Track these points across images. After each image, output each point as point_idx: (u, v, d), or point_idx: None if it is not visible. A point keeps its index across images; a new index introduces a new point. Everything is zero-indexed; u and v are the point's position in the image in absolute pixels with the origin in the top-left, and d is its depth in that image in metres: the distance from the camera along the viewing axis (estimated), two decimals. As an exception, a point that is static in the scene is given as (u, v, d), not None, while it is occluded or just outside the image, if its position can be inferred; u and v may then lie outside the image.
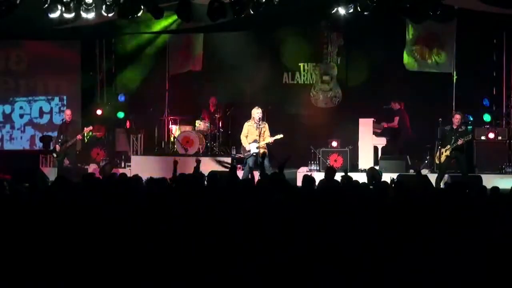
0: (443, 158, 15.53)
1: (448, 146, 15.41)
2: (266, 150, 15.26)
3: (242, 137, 15.54)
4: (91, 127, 17.51)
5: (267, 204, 7.47)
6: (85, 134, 17.68)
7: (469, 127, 17.79)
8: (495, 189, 9.38)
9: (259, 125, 15.31)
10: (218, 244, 5.96)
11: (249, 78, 18.61)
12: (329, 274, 5.41)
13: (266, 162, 15.16)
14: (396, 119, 18.07)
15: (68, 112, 17.52)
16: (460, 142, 15.29)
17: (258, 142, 15.23)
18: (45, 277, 5.59)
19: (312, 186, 9.95)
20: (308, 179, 10.12)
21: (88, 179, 10.39)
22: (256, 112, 15.40)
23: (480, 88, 18.40)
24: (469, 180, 14.92)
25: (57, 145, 17.11)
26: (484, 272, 5.45)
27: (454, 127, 15.51)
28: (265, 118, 15.93)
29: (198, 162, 12.61)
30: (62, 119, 17.65)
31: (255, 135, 15.29)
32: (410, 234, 6.27)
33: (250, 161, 15.34)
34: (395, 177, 12.02)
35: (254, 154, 15.25)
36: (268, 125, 15.49)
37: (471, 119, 17.89)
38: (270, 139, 15.26)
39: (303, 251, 5.76)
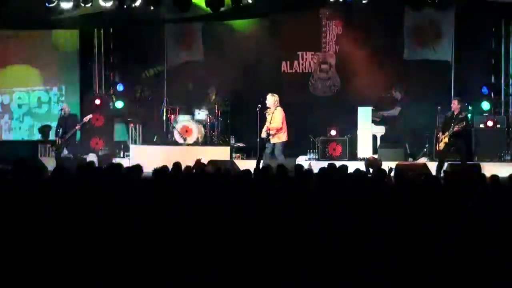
0: (442, 145, 15.52)
1: (447, 133, 15.40)
2: (277, 138, 15.36)
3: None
4: (91, 115, 17.49)
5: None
6: (85, 124, 17.61)
7: (469, 114, 17.83)
8: (495, 177, 9.38)
9: (270, 111, 15.38)
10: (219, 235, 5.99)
11: (247, 67, 18.56)
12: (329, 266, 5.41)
13: (276, 150, 15.27)
14: (398, 108, 18.03)
15: (64, 106, 17.56)
16: (456, 129, 15.24)
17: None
18: (43, 268, 5.58)
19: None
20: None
21: (84, 168, 10.39)
22: (266, 99, 15.49)
23: (478, 76, 18.37)
24: (468, 168, 14.95)
25: (57, 138, 17.11)
26: (483, 259, 5.46)
27: (455, 113, 15.49)
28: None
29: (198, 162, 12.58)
30: (60, 110, 17.66)
31: (267, 122, 15.40)
32: (410, 223, 6.29)
33: (267, 147, 15.51)
34: (393, 166, 12.05)
35: (266, 139, 15.38)
36: (266, 113, 15.51)
37: (470, 108, 17.93)
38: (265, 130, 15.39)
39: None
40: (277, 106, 15.40)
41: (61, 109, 17.67)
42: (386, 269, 5.37)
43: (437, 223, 6.21)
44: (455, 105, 15.53)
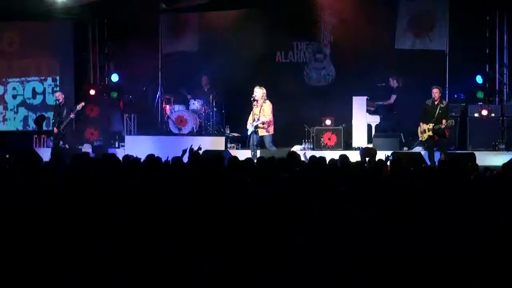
0: (425, 136, 15.50)
1: (431, 125, 15.33)
2: (265, 131, 15.40)
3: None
4: (83, 103, 17.42)
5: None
6: (80, 112, 17.54)
7: (462, 104, 17.86)
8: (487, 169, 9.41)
9: (258, 104, 15.43)
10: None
11: (242, 57, 18.55)
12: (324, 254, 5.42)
13: (266, 142, 15.37)
14: (394, 97, 18.05)
15: (58, 94, 17.55)
16: (443, 126, 15.20)
17: (257, 121, 15.38)
18: (36, 259, 5.58)
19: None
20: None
21: (80, 159, 10.40)
22: (254, 91, 15.51)
23: (473, 65, 18.39)
24: (456, 158, 14.94)
25: (55, 128, 17.04)
26: (479, 248, 5.47)
27: (436, 102, 15.47)
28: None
29: (199, 149, 12.52)
30: (55, 101, 17.65)
31: (254, 114, 15.44)
32: (405, 212, 6.30)
33: (250, 139, 15.56)
34: (389, 154, 12.06)
35: (253, 132, 15.43)
36: (253, 106, 15.56)
37: (463, 97, 17.98)
38: (257, 122, 15.39)
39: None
40: (265, 99, 15.49)
41: (56, 98, 17.65)
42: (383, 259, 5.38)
43: (435, 211, 6.23)
44: (437, 93, 15.50)
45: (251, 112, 15.73)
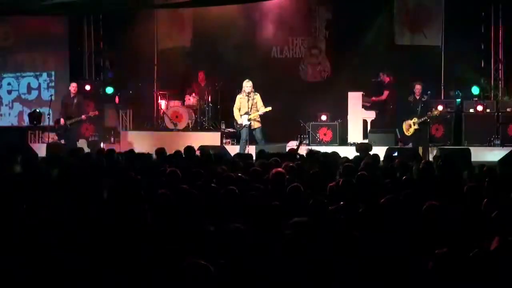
0: (411, 131, 15.59)
1: (416, 119, 15.43)
2: (259, 123, 15.42)
3: (235, 109, 15.76)
4: (97, 112, 17.05)
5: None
6: (91, 117, 17.12)
7: (458, 100, 17.90)
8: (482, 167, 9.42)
9: (250, 97, 15.40)
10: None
11: (237, 52, 18.54)
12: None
13: (258, 135, 15.36)
14: (386, 92, 18.07)
15: (74, 85, 16.73)
16: (435, 112, 15.34)
17: (249, 114, 15.35)
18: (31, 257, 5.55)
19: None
20: None
21: (75, 154, 10.41)
22: (246, 86, 15.50)
23: (468, 61, 18.40)
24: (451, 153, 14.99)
25: (62, 119, 16.47)
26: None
27: (417, 97, 15.58)
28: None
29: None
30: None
31: (246, 107, 15.41)
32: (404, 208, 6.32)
33: (243, 133, 15.55)
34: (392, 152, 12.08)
35: (246, 126, 15.41)
36: (243, 99, 15.61)
37: (460, 93, 18.02)
38: (259, 112, 15.38)
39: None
40: (254, 91, 15.54)
41: (70, 89, 16.81)
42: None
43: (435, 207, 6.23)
44: (419, 89, 15.61)
45: (236, 105, 15.68)
